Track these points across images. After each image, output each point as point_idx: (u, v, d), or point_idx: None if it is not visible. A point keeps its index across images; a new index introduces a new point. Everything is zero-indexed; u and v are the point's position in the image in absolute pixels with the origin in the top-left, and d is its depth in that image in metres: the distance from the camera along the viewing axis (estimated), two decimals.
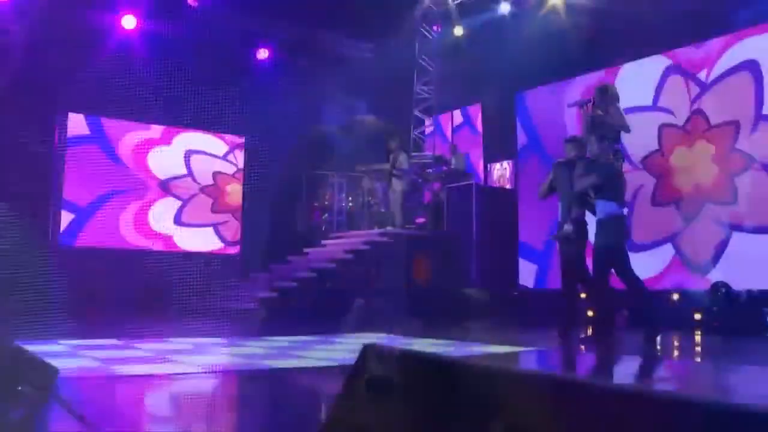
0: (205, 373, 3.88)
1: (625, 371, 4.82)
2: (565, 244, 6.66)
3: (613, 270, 6.27)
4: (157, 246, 12.53)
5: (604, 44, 10.76)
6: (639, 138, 8.90)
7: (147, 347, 5.00)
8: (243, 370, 3.93)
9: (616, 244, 6.21)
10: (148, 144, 12.79)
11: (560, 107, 10.67)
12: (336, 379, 3.91)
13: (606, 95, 6.79)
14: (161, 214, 12.72)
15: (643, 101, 9.80)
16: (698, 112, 9.23)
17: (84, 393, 2.94)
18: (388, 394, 1.14)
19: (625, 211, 6.44)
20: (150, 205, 12.62)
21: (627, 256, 6.29)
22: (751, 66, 8.68)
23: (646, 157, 9.69)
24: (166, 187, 12.83)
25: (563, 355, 5.71)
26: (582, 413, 0.89)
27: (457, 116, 14.26)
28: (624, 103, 7.63)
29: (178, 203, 12.92)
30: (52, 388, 1.90)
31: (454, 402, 1.06)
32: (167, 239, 12.68)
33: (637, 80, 10.00)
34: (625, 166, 7.68)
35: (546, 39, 11.37)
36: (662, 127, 9.59)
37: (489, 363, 1.06)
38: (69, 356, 4.11)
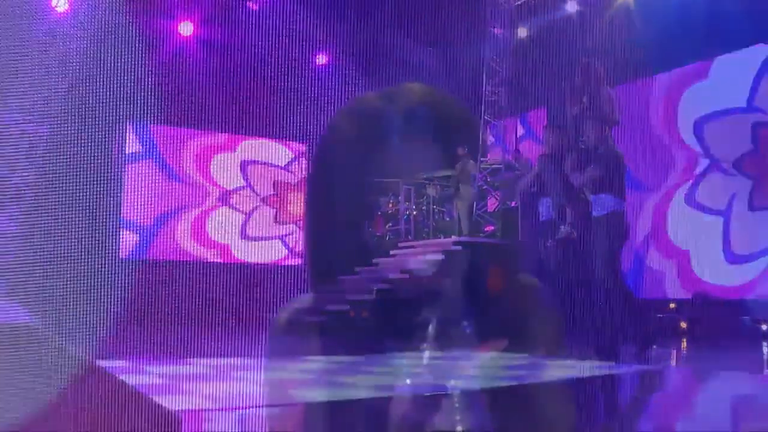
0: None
1: None
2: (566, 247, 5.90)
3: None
4: (219, 258, 12.23)
5: (683, 40, 10.19)
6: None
7: (235, 372, 4.59)
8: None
9: (615, 244, 5.51)
10: (209, 153, 12.52)
11: (640, 108, 10.15)
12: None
13: (589, 73, 5.98)
14: (222, 225, 12.43)
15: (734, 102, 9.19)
16: None
17: None
18: None
19: (624, 205, 5.63)
20: (210, 215, 12.33)
21: (620, 260, 5.59)
22: None
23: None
24: (227, 197, 12.53)
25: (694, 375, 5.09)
26: None
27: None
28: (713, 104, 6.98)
29: (240, 214, 12.61)
30: None
31: None
32: (228, 250, 12.36)
33: (727, 77, 9.40)
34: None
35: (617, 37, 10.85)
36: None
37: None
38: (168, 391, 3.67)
